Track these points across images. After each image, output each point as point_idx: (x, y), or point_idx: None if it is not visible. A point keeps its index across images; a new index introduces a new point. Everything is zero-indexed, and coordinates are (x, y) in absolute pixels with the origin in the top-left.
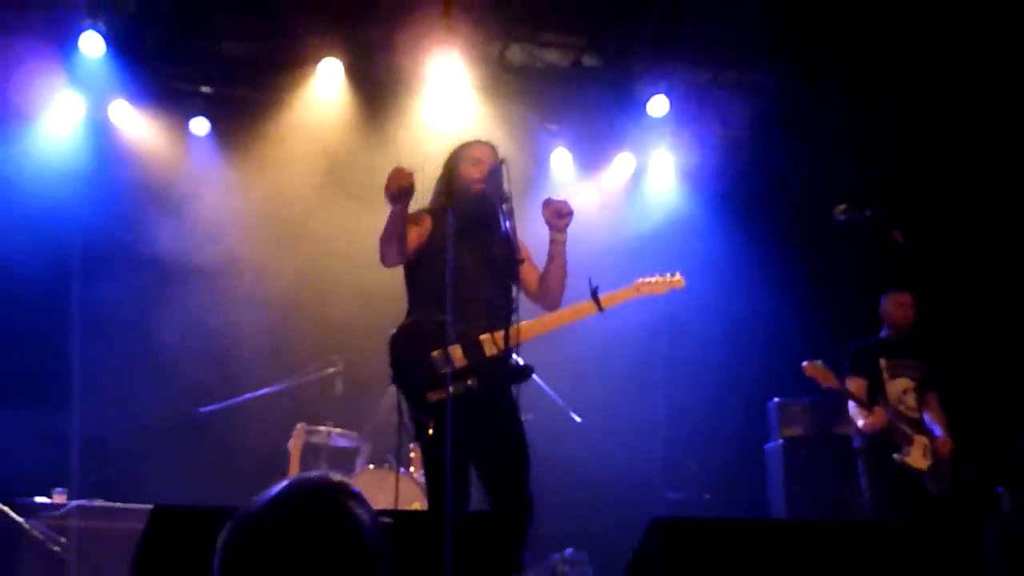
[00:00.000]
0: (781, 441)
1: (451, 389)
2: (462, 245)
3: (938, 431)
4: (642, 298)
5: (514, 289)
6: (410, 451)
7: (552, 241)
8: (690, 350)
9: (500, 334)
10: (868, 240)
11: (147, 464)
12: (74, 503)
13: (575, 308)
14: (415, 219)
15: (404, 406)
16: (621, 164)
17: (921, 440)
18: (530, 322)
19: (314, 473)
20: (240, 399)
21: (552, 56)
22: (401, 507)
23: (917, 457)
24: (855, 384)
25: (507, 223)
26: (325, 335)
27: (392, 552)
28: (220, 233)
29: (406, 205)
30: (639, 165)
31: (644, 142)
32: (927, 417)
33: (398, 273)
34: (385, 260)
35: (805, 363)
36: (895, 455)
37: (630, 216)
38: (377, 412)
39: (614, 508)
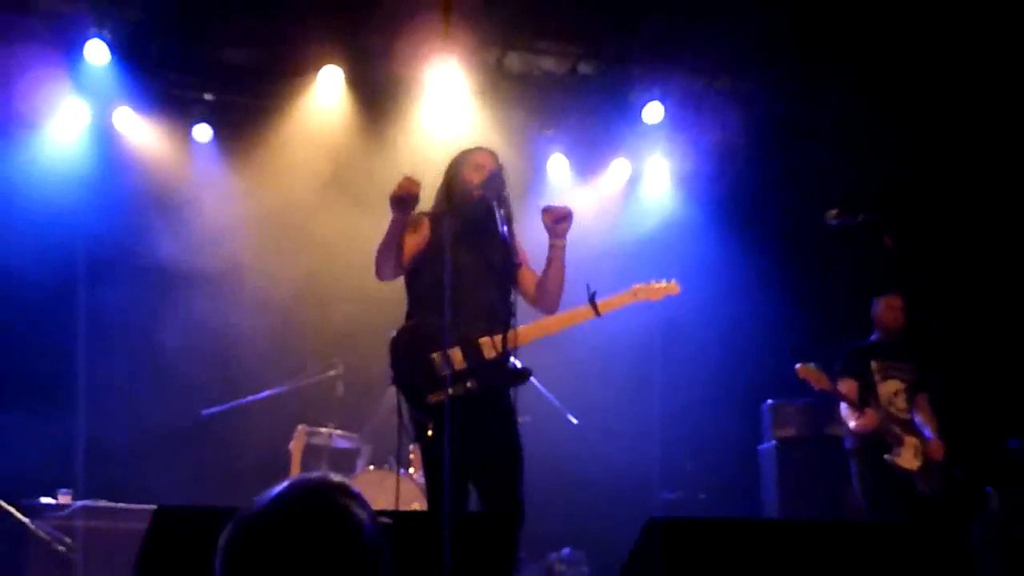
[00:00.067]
0: (775, 442)
1: (450, 391)
2: (461, 249)
3: (929, 432)
4: (639, 303)
5: (512, 293)
6: (410, 452)
7: (551, 247)
8: (685, 352)
9: (499, 337)
10: (860, 244)
11: (151, 465)
12: (79, 504)
13: (573, 313)
14: (414, 223)
15: (404, 407)
16: (617, 170)
17: (912, 441)
18: (528, 326)
19: (314, 474)
20: (242, 401)
21: (549, 63)
22: (401, 508)
23: (908, 458)
24: (847, 386)
25: (505, 228)
26: (326, 338)
27: (391, 552)
28: (222, 238)
29: (408, 214)
30: (635, 171)
31: (640, 148)
32: (918, 418)
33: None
34: (380, 274)
35: (798, 365)
36: (886, 456)
37: (626, 221)
38: (377, 414)
39: (610, 508)
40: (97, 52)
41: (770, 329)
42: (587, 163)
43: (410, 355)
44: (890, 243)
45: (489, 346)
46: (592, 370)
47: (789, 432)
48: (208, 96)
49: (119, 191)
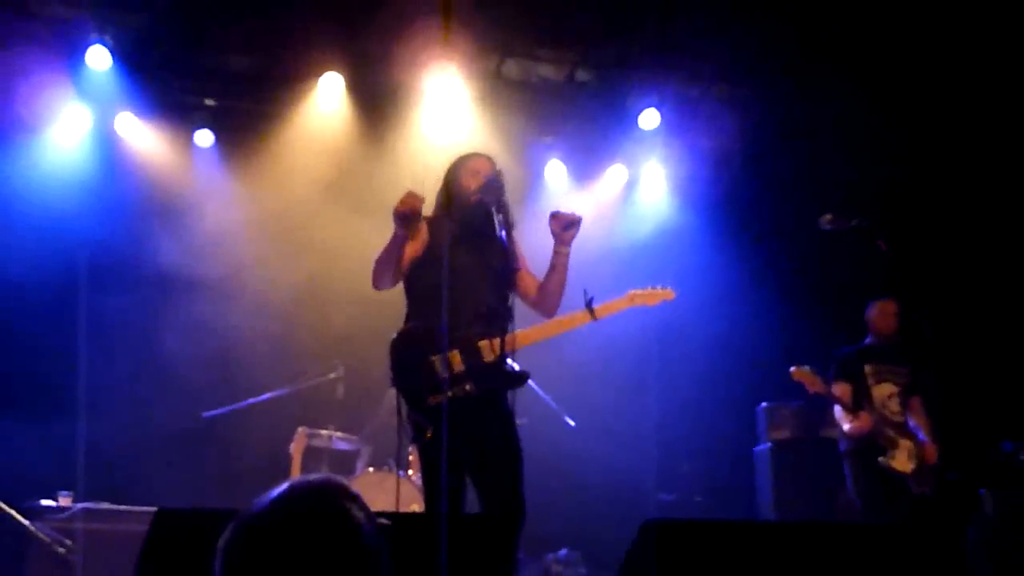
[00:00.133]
0: (769, 444)
1: (449, 393)
2: (459, 253)
3: (922, 435)
4: (635, 308)
5: (511, 297)
6: (409, 454)
7: (556, 252)
8: (682, 355)
9: (497, 340)
10: (854, 248)
11: (152, 467)
12: (79, 506)
13: (570, 317)
14: (412, 231)
15: (403, 409)
16: (614, 175)
17: (906, 443)
18: (526, 330)
19: (314, 476)
20: (243, 403)
21: (547, 70)
22: (400, 509)
23: (902, 460)
24: (841, 389)
25: (504, 232)
26: (326, 341)
27: (390, 553)
28: (223, 242)
29: (410, 230)
30: (631, 176)
31: (636, 154)
32: (911, 421)
33: None
34: (377, 284)
35: (793, 368)
36: (880, 458)
37: (623, 226)
38: (377, 416)
39: (607, 510)
40: (99, 57)
41: (765, 332)
42: (584, 169)
43: (409, 357)
44: (884, 247)
45: (488, 349)
46: (590, 373)
47: (784, 434)
48: (209, 102)
49: (121, 196)
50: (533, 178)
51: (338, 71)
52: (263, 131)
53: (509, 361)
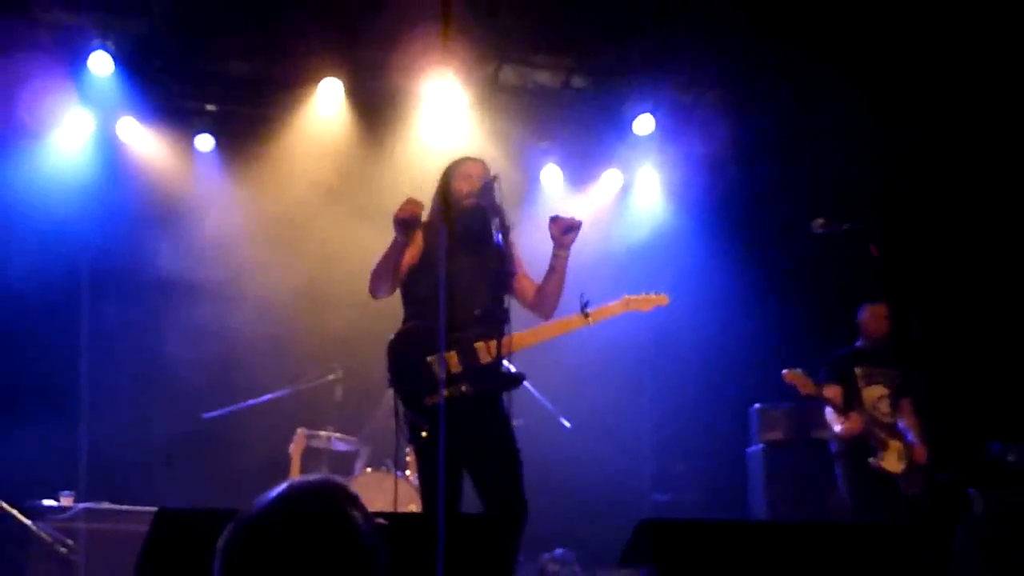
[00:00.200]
0: (762, 445)
1: (445, 393)
2: (456, 257)
3: (912, 436)
4: (629, 312)
5: (507, 299)
6: (407, 454)
7: (555, 255)
8: (676, 358)
9: (494, 343)
10: (845, 252)
11: (152, 467)
12: (81, 506)
13: (566, 321)
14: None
15: (400, 410)
16: (609, 180)
17: (896, 444)
18: (522, 332)
19: (312, 476)
20: (243, 405)
21: (543, 77)
22: (398, 509)
23: (892, 461)
24: (832, 391)
25: (500, 236)
26: (325, 343)
27: (387, 553)
28: (224, 246)
29: (410, 236)
30: (626, 181)
31: (631, 159)
32: (901, 422)
33: None
34: (375, 292)
35: (785, 371)
36: (871, 459)
37: (618, 230)
38: (375, 417)
39: (603, 510)
40: (101, 63)
41: (758, 335)
42: (580, 173)
43: (406, 358)
44: (875, 251)
45: (484, 351)
46: (586, 375)
47: (776, 435)
48: (210, 107)
49: (122, 199)
50: (530, 182)
51: (337, 76)
52: (263, 136)
53: (505, 363)
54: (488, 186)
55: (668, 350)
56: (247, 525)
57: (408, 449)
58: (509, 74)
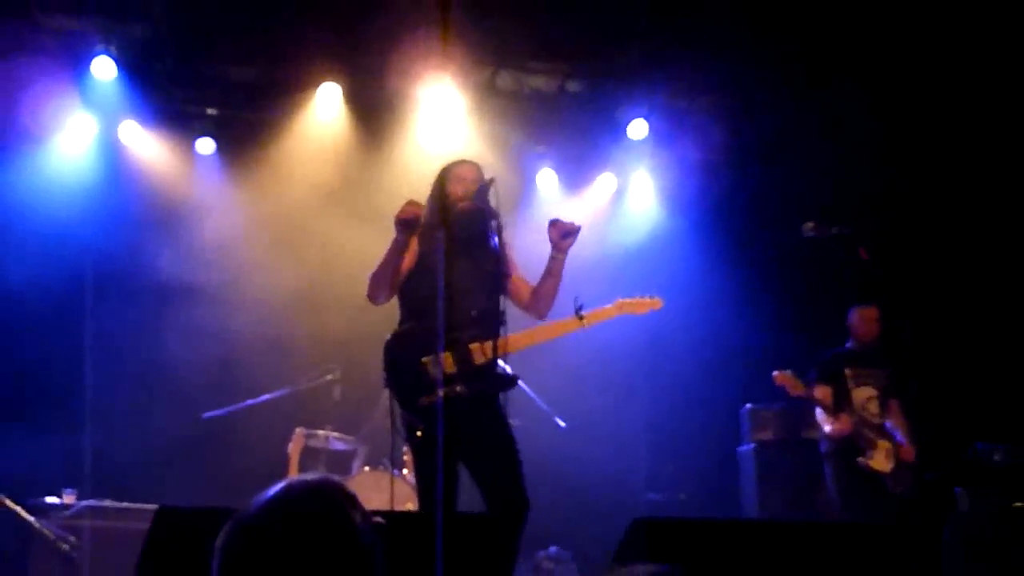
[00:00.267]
0: (753, 445)
1: (441, 394)
2: (452, 259)
3: (900, 436)
4: (623, 316)
5: (502, 301)
6: (404, 453)
7: (552, 258)
8: (669, 359)
9: (488, 344)
10: (835, 255)
11: (154, 466)
12: (83, 503)
13: (560, 324)
14: None
15: (397, 409)
16: (603, 184)
17: (884, 444)
18: (517, 334)
19: (310, 475)
20: (242, 405)
21: (538, 82)
22: (396, 508)
23: (880, 460)
24: (822, 392)
25: (495, 238)
26: (324, 345)
27: (385, 552)
28: (224, 248)
29: (411, 236)
30: (620, 185)
31: (625, 163)
32: (889, 423)
33: None
34: (375, 296)
35: (776, 372)
36: (859, 459)
37: (612, 233)
38: (373, 417)
39: (597, 508)
40: (104, 68)
41: (750, 336)
42: (575, 177)
43: (402, 359)
44: (864, 254)
45: (479, 352)
46: (581, 376)
47: (767, 435)
48: (211, 111)
49: (124, 202)
50: (525, 186)
51: (336, 81)
52: (263, 139)
53: (501, 364)
54: (484, 189)
55: (662, 351)
56: (245, 524)
57: (405, 448)
58: (505, 79)
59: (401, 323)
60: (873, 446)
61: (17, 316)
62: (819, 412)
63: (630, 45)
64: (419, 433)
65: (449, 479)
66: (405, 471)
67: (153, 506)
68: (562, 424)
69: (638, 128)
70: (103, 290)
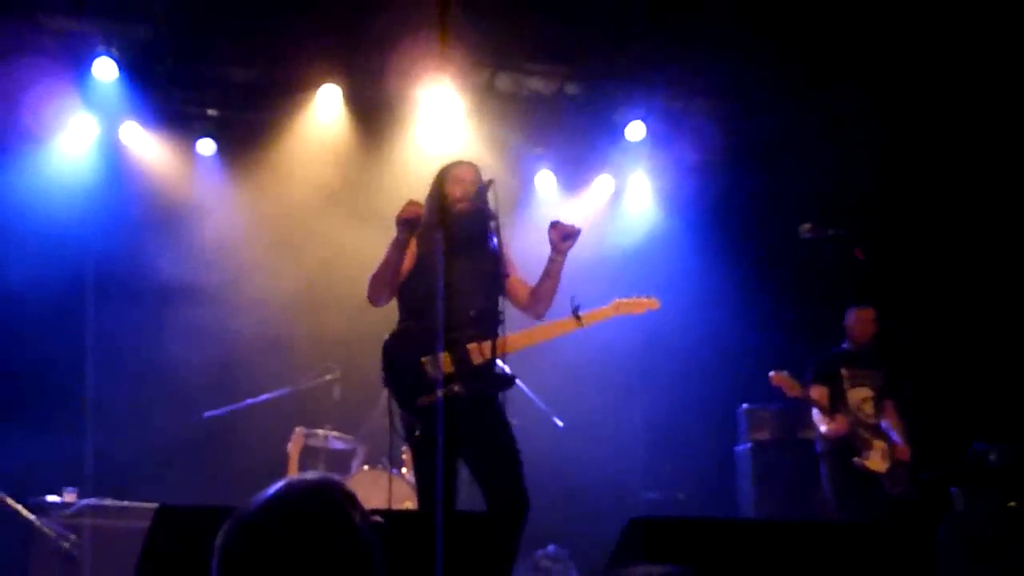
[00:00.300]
0: (750, 444)
1: (439, 394)
2: (452, 259)
3: (896, 436)
4: (620, 316)
5: (501, 302)
6: (403, 452)
7: (552, 260)
8: (667, 360)
9: (487, 344)
10: (831, 256)
11: (154, 465)
12: (84, 502)
13: (558, 324)
14: None
15: (395, 409)
16: (601, 185)
17: (880, 445)
18: (515, 335)
19: (309, 474)
20: (243, 404)
21: (537, 84)
22: (394, 506)
23: (876, 460)
24: (818, 392)
25: (494, 239)
26: (323, 345)
27: (383, 550)
28: (224, 248)
29: (412, 235)
30: (618, 186)
31: (623, 165)
32: (885, 423)
33: None
34: (376, 300)
35: (772, 373)
36: (855, 459)
37: (609, 234)
38: (372, 416)
39: (595, 507)
40: (105, 69)
41: (747, 337)
42: (573, 178)
43: (401, 359)
44: (861, 255)
45: (476, 352)
46: (578, 376)
47: (763, 435)
48: (212, 112)
49: (125, 202)
50: (524, 187)
51: (336, 83)
52: (263, 140)
53: (499, 363)
54: (482, 190)
55: (659, 352)
56: (245, 522)
57: (404, 447)
58: (504, 81)
59: (399, 323)
60: (869, 446)
61: (18, 316)
62: (815, 412)
63: (628, 48)
64: (417, 433)
65: (448, 478)
66: (404, 470)
67: (153, 505)
68: (560, 424)
69: (636, 130)
70: (104, 290)
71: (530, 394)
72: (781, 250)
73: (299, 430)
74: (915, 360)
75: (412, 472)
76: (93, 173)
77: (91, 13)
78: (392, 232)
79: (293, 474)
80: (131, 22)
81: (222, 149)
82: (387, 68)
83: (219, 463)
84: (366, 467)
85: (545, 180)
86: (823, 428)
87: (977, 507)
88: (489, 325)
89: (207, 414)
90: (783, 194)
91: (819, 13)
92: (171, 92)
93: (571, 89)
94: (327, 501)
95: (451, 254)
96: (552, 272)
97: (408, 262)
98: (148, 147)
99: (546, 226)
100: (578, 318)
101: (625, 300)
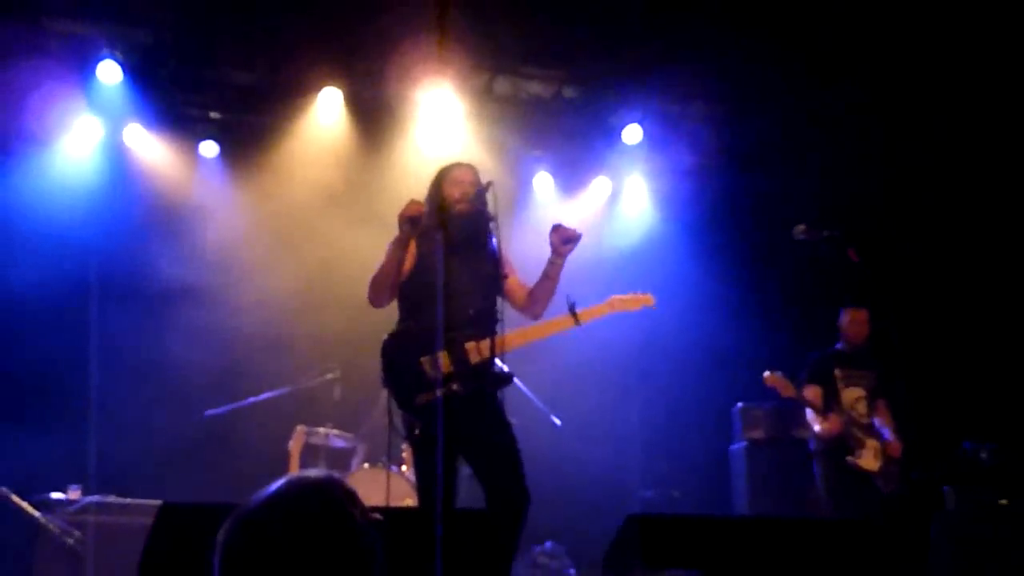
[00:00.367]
0: (745, 443)
1: (439, 393)
2: (451, 260)
3: (888, 435)
4: (616, 313)
5: (499, 301)
6: (403, 451)
7: (551, 262)
8: (663, 359)
9: (484, 343)
10: (826, 258)
11: (157, 463)
12: (88, 499)
13: (555, 322)
14: None
15: (395, 408)
16: (598, 187)
17: (872, 444)
18: (513, 333)
19: (310, 472)
20: (244, 403)
21: (535, 87)
22: (393, 503)
23: (868, 459)
24: (812, 392)
25: (493, 240)
26: (324, 344)
27: (383, 547)
28: (226, 249)
29: (414, 233)
30: (615, 188)
31: (619, 167)
32: (877, 422)
33: None
34: (377, 302)
35: (766, 374)
36: (848, 457)
37: (606, 235)
38: (372, 415)
39: (592, 505)
40: (110, 72)
41: (742, 337)
42: (571, 181)
43: (400, 359)
44: (855, 257)
45: (474, 351)
46: (576, 376)
47: (758, 434)
48: (214, 114)
49: (129, 203)
50: (522, 189)
51: (337, 86)
52: (265, 142)
53: (497, 362)
54: (481, 192)
55: (655, 351)
56: (246, 519)
57: (404, 446)
58: (503, 85)
59: (399, 323)
60: (862, 445)
61: (23, 316)
62: (809, 412)
63: (625, 52)
64: (417, 432)
65: (448, 476)
66: (404, 468)
67: (156, 502)
68: (558, 423)
69: (632, 133)
70: (108, 291)
71: (529, 393)
72: (776, 252)
73: (300, 428)
74: (908, 360)
75: (412, 470)
76: (97, 175)
77: (96, 17)
78: (392, 233)
79: (294, 472)
80: (135, 26)
81: (224, 151)
82: (387, 71)
83: (221, 461)
84: (366, 465)
85: (543, 182)
86: (817, 427)
87: (968, 505)
88: (487, 325)
89: (209, 413)
90: (778, 196)
91: (815, 16)
92: (174, 95)
93: (569, 93)
94: (328, 498)
95: (450, 255)
96: (551, 274)
97: (408, 263)
98: (151, 149)
99: (544, 227)
100: (575, 315)
101: (620, 297)
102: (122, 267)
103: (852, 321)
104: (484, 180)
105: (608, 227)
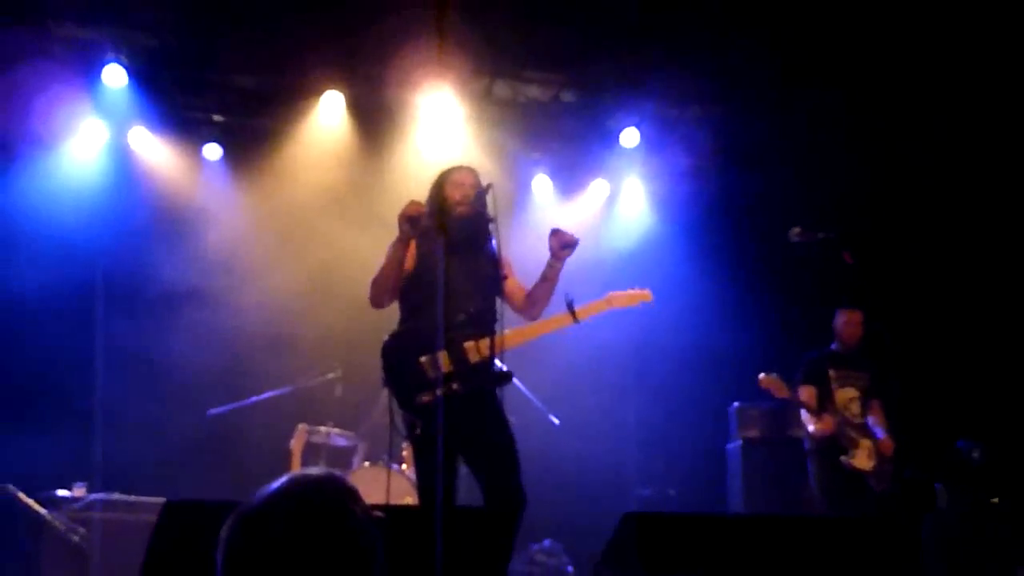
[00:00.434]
0: (740, 442)
1: (439, 392)
2: (451, 261)
3: (881, 435)
4: (616, 312)
5: (498, 302)
6: (403, 449)
7: (550, 265)
8: (659, 359)
9: (484, 342)
10: (820, 260)
11: (161, 461)
12: (93, 496)
13: (553, 319)
14: None
15: (395, 408)
16: (596, 190)
17: (866, 443)
18: (512, 331)
19: (311, 470)
20: (247, 402)
21: (534, 91)
22: (393, 501)
23: (862, 459)
24: (807, 392)
25: (493, 241)
26: (326, 344)
27: (384, 544)
28: (229, 250)
29: (415, 233)
30: (613, 191)
31: (617, 170)
32: (871, 422)
33: None
34: (379, 303)
35: (761, 375)
36: (842, 457)
37: (604, 237)
38: (373, 414)
39: (589, 503)
40: (115, 76)
41: (738, 337)
42: (569, 183)
43: (400, 359)
44: (849, 258)
45: (473, 350)
46: (574, 375)
47: (754, 433)
48: (218, 118)
49: (134, 206)
50: (521, 191)
51: (339, 89)
52: (268, 145)
53: (497, 362)
54: (481, 194)
55: (653, 352)
56: (248, 516)
57: (404, 444)
58: (502, 88)
59: (400, 324)
60: (855, 445)
61: (30, 317)
62: (803, 412)
63: (623, 56)
64: (418, 431)
65: (448, 475)
66: (404, 466)
67: (160, 499)
68: (556, 421)
69: (630, 136)
70: (113, 292)
71: (527, 393)
72: (772, 253)
73: (301, 427)
74: (901, 361)
75: (412, 469)
76: (102, 177)
77: (101, 21)
78: (393, 234)
79: (296, 470)
80: (140, 30)
81: (228, 154)
82: (388, 75)
83: (224, 459)
84: (367, 463)
85: (542, 184)
86: (811, 427)
87: (960, 503)
88: (486, 324)
89: (212, 412)
90: (774, 199)
91: (810, 19)
92: (178, 98)
93: (567, 96)
94: (329, 496)
95: (450, 256)
96: (550, 276)
97: (409, 264)
98: (156, 152)
99: (542, 229)
100: (573, 313)
101: (618, 293)
102: (127, 268)
103: (846, 322)
104: (484, 183)
105: (606, 229)
